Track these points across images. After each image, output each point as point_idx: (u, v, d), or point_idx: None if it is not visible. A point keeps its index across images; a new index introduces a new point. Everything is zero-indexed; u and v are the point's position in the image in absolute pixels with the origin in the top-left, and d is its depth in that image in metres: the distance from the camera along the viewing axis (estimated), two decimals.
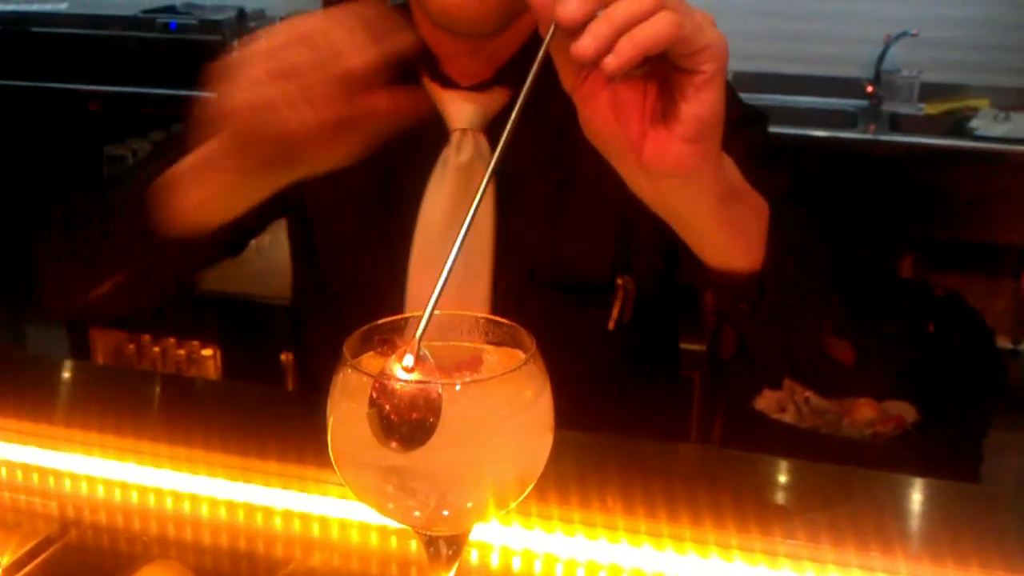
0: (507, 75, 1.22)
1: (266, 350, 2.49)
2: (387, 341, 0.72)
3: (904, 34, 3.97)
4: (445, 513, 0.68)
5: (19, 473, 1.12)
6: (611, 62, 0.71)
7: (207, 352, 2.75)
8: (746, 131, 1.18)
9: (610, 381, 1.32)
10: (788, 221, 0.98)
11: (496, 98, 1.22)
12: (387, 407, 0.63)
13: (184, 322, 2.65)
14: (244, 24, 4.38)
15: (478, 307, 1.20)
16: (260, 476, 1.08)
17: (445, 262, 1.15)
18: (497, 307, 1.21)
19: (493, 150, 1.14)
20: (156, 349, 2.81)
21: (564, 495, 1.01)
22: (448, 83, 1.23)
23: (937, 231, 3.78)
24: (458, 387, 0.65)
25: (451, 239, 1.14)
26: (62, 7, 4.99)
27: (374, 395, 0.64)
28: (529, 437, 0.68)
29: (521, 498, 0.71)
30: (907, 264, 3.95)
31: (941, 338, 3.02)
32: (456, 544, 0.72)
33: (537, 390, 0.68)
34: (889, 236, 3.86)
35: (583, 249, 1.25)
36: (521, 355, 0.71)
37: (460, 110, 1.22)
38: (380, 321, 0.73)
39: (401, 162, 1.24)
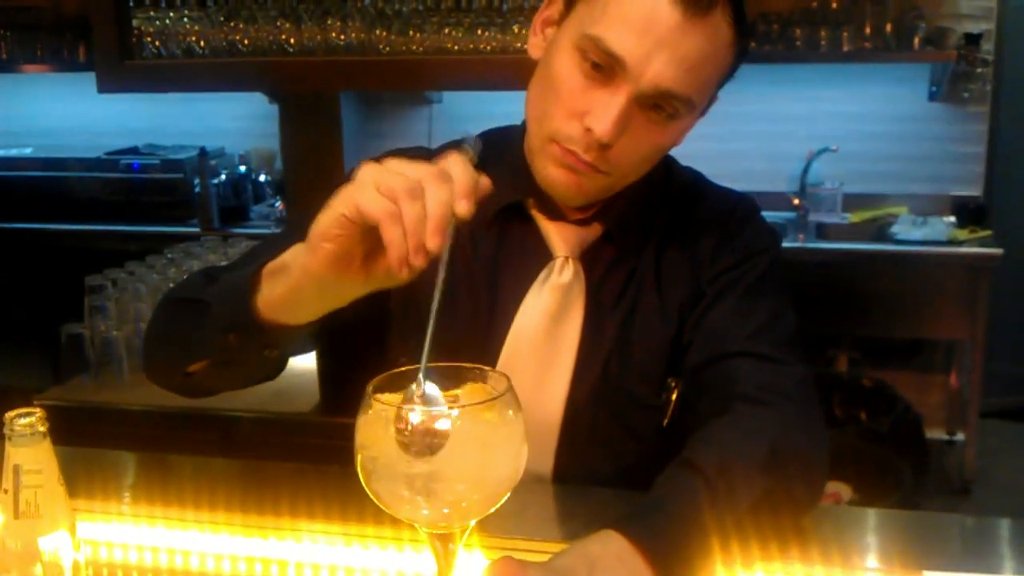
0: (603, 213, 1.39)
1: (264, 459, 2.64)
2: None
3: (825, 150, 4.25)
4: (445, 511, 0.87)
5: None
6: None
7: None
8: (738, 271, 1.38)
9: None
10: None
11: (592, 232, 1.40)
12: (410, 431, 0.84)
13: (184, 437, 2.78)
14: (205, 162, 4.49)
15: (556, 402, 1.38)
16: (276, 532, 1.26)
17: (531, 366, 1.39)
18: (572, 401, 1.38)
19: (586, 273, 1.39)
20: None
21: None
22: (553, 214, 1.39)
23: (866, 329, 3.99)
24: (456, 412, 0.85)
25: (540, 347, 1.40)
26: (27, 151, 5.13)
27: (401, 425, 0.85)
28: (512, 447, 0.88)
29: (503, 500, 0.90)
30: (842, 362, 4.18)
31: (872, 424, 3.22)
32: (453, 541, 0.91)
33: (516, 411, 0.88)
34: (822, 337, 4.09)
35: (645, 357, 1.39)
36: (488, 389, 0.91)
37: (564, 241, 1.39)
38: (395, 371, 0.92)
39: (507, 277, 1.40)
